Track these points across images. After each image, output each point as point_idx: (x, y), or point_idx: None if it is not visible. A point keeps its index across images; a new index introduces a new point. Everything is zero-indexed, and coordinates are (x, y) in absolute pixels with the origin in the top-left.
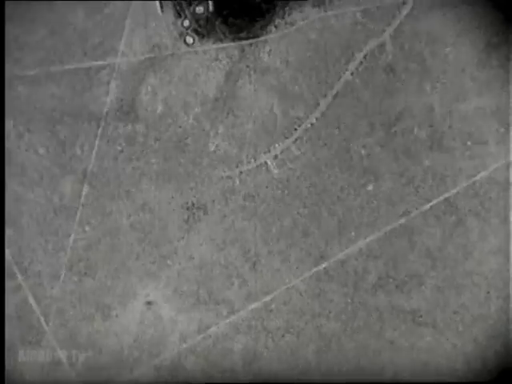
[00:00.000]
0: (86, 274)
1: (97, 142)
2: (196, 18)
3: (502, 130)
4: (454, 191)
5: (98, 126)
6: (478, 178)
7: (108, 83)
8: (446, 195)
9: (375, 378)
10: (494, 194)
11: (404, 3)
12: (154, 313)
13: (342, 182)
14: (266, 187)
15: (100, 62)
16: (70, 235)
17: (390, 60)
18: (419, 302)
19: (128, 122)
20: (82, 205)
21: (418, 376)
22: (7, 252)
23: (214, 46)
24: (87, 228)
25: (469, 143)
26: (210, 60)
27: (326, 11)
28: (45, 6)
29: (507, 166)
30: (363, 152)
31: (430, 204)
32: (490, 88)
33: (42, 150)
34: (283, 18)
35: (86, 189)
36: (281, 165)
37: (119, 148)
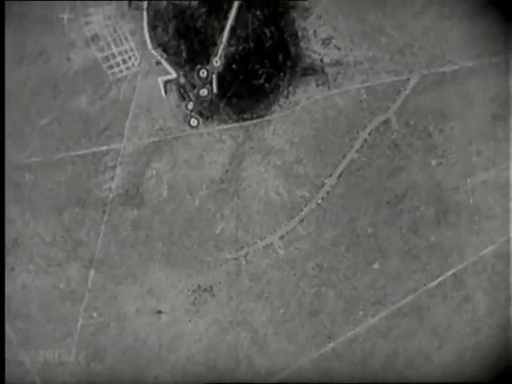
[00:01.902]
0: (94, 358)
1: (103, 228)
2: (200, 100)
3: (510, 204)
4: (462, 266)
5: (104, 212)
6: (485, 252)
7: (113, 168)
8: (454, 271)
9: None
10: (501, 267)
11: (408, 79)
12: None
13: (349, 261)
14: (273, 268)
15: (105, 147)
16: (77, 321)
17: (394, 137)
18: (428, 378)
19: (133, 208)
20: (89, 290)
21: None
22: (15, 339)
23: (219, 127)
24: (94, 314)
25: (476, 218)
26: (215, 142)
27: (329, 90)
28: (49, 93)
29: None
30: (369, 230)
31: (438, 280)
32: (495, 162)
33: (48, 238)
34: (287, 97)
35: (92, 274)
36: (287, 245)
37: (125, 233)
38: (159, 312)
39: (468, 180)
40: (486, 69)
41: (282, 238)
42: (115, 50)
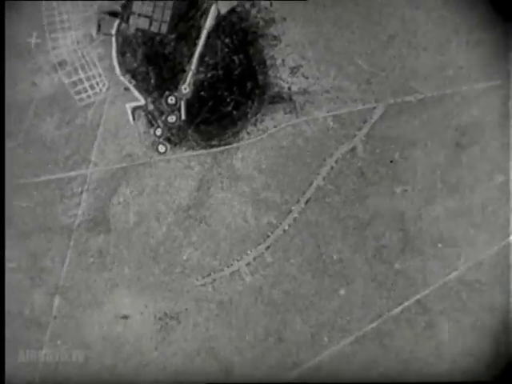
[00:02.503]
0: None
1: (68, 254)
2: (168, 126)
3: (472, 231)
4: (426, 292)
5: (70, 239)
6: (449, 278)
7: (80, 194)
8: (418, 297)
9: None
10: (464, 294)
11: (374, 108)
12: None
13: (315, 287)
14: (240, 294)
15: (71, 173)
16: (41, 350)
17: (360, 164)
18: None
19: (99, 234)
20: (54, 317)
21: None
22: None
23: (187, 153)
24: (59, 342)
25: (439, 245)
26: (183, 168)
27: (297, 117)
28: (15, 117)
29: (478, 266)
30: (335, 257)
31: (402, 307)
32: (458, 189)
33: (12, 264)
34: (255, 124)
35: (57, 301)
36: (254, 271)
37: (91, 259)
38: (124, 339)
39: (431, 207)
40: (451, 98)
41: (248, 264)
42: (83, 76)
